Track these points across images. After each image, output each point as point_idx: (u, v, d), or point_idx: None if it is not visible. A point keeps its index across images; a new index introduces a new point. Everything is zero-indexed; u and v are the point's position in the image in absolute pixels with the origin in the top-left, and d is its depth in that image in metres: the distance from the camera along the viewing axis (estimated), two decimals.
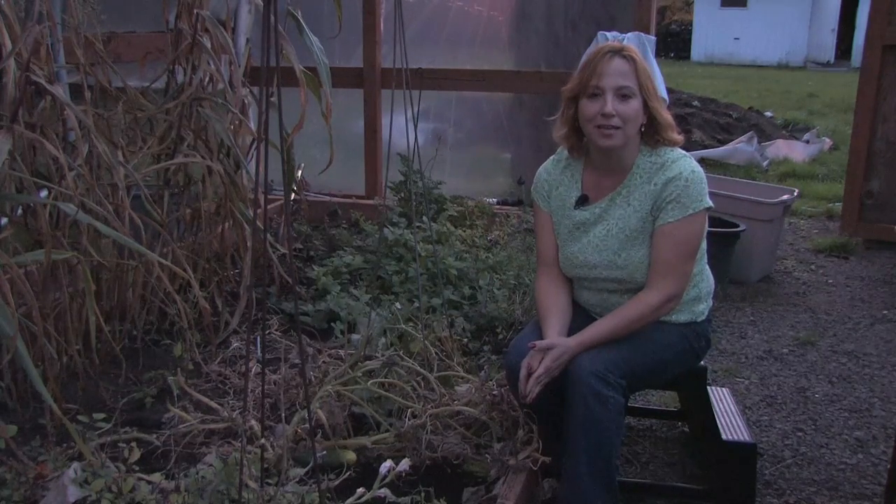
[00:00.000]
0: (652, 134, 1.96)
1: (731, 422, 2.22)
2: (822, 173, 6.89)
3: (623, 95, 1.88)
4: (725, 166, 6.88)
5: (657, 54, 4.00)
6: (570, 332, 1.96)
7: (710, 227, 2.03)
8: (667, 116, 1.94)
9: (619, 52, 1.90)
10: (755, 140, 7.22)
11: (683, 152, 1.98)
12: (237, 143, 2.87)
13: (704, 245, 2.03)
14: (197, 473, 1.84)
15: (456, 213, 3.98)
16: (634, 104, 1.89)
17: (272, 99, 1.44)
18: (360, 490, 1.83)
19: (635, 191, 1.95)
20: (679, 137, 1.97)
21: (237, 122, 2.95)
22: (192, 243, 2.97)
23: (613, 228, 1.97)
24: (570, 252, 2.03)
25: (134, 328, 2.71)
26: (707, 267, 2.10)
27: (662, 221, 1.91)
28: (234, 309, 2.92)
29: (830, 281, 4.13)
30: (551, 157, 2.14)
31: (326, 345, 2.71)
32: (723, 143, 7.61)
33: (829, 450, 2.49)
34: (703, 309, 2.07)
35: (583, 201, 2.03)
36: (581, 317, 2.06)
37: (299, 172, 4.15)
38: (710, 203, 1.93)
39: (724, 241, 3.64)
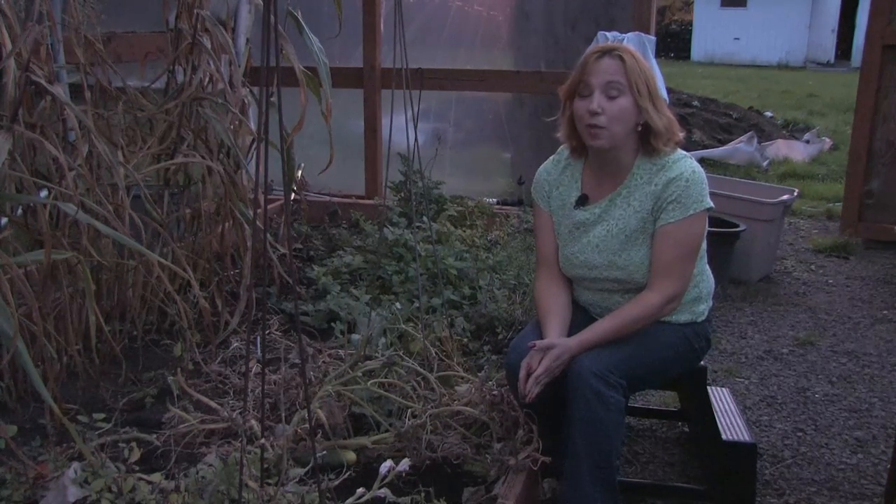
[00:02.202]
0: (646, 142, 1.94)
1: (731, 422, 2.22)
2: (822, 173, 6.89)
3: (610, 92, 1.87)
4: (725, 166, 6.88)
5: (657, 54, 4.01)
6: (571, 332, 1.96)
7: (710, 227, 2.03)
8: (660, 124, 1.90)
9: (608, 52, 1.90)
10: (755, 140, 7.22)
11: (684, 153, 1.98)
12: (237, 143, 2.87)
13: (705, 245, 2.03)
14: (197, 473, 1.85)
15: (456, 213, 3.98)
16: (622, 102, 1.87)
17: (272, 99, 1.44)
18: (360, 490, 1.83)
19: (635, 191, 1.95)
20: (672, 146, 1.95)
21: (237, 122, 2.95)
22: (192, 243, 2.97)
23: (613, 229, 1.97)
24: (570, 252, 2.03)
25: (134, 328, 2.71)
26: (707, 267, 2.10)
27: (663, 222, 1.91)
28: (234, 309, 2.92)
29: (830, 281, 4.13)
30: (551, 157, 2.14)
31: (326, 345, 2.71)
32: (723, 143, 7.61)
33: (829, 450, 2.49)
34: (703, 309, 2.07)
35: (583, 201, 2.03)
36: (581, 317, 2.06)
37: (299, 172, 4.15)
38: (711, 204, 1.92)
39: (724, 241, 3.64)
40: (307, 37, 2.35)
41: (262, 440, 1.84)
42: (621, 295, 2.00)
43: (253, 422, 2.06)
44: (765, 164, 7.02)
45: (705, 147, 7.44)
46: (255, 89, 3.20)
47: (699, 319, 2.05)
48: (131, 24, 3.62)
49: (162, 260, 2.45)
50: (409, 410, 2.13)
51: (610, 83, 1.87)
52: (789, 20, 22.64)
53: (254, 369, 2.36)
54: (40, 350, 2.15)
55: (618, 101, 1.87)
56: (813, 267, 4.36)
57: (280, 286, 3.20)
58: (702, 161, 6.07)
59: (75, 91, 2.65)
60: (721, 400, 2.38)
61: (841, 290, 3.98)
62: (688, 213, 1.89)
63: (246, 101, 3.02)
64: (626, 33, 3.84)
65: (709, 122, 8.32)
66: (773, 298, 3.85)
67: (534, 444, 1.98)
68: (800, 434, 2.59)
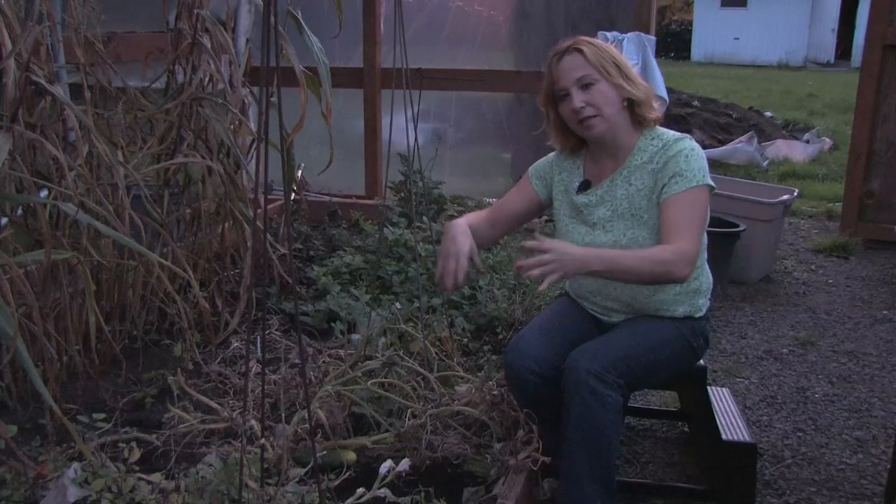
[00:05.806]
0: (634, 115, 1.98)
1: (731, 422, 2.22)
2: (822, 173, 6.89)
3: (584, 85, 1.92)
4: (725, 166, 6.88)
5: (657, 54, 4.00)
6: (569, 343, 1.94)
7: (710, 227, 2.03)
8: (640, 94, 1.95)
9: (565, 51, 1.95)
10: (755, 140, 7.22)
11: (683, 134, 2.01)
12: (237, 143, 2.87)
13: (705, 240, 2.02)
14: (197, 473, 1.85)
15: (456, 213, 3.97)
16: (600, 87, 1.92)
17: (272, 99, 1.44)
18: (360, 490, 1.83)
19: (636, 171, 1.97)
20: (656, 114, 1.99)
21: (237, 122, 2.95)
22: (192, 243, 2.97)
23: (619, 208, 1.99)
24: (575, 235, 2.04)
25: (134, 328, 2.71)
26: (706, 264, 2.10)
27: (667, 194, 1.91)
28: (234, 309, 2.92)
29: (830, 281, 4.13)
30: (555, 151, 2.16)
31: (326, 345, 2.71)
32: (723, 143, 7.61)
33: (829, 450, 2.49)
34: (702, 304, 2.07)
35: (585, 186, 2.06)
36: (580, 320, 2.07)
37: (299, 172, 4.15)
38: (712, 183, 1.93)
39: (724, 241, 3.64)
40: (307, 37, 2.35)
41: (262, 440, 1.84)
42: (623, 281, 1.99)
43: (253, 422, 2.06)
44: (765, 164, 7.02)
45: (705, 147, 7.42)
46: (255, 89, 3.20)
47: (696, 315, 2.05)
48: (131, 24, 3.63)
49: (162, 260, 2.45)
50: (409, 410, 2.13)
51: (580, 78, 1.92)
52: (789, 20, 22.63)
53: (254, 369, 2.36)
54: (40, 350, 2.15)
55: (595, 88, 1.92)
56: (813, 267, 4.36)
57: (280, 286, 3.21)
58: None
59: (75, 91, 2.65)
60: (721, 400, 2.38)
61: (841, 290, 3.98)
62: (691, 184, 1.89)
63: (246, 101, 3.02)
64: (626, 33, 3.84)
65: (709, 122, 8.32)
66: (773, 298, 3.85)
67: (534, 444, 1.98)
68: (800, 434, 2.59)
